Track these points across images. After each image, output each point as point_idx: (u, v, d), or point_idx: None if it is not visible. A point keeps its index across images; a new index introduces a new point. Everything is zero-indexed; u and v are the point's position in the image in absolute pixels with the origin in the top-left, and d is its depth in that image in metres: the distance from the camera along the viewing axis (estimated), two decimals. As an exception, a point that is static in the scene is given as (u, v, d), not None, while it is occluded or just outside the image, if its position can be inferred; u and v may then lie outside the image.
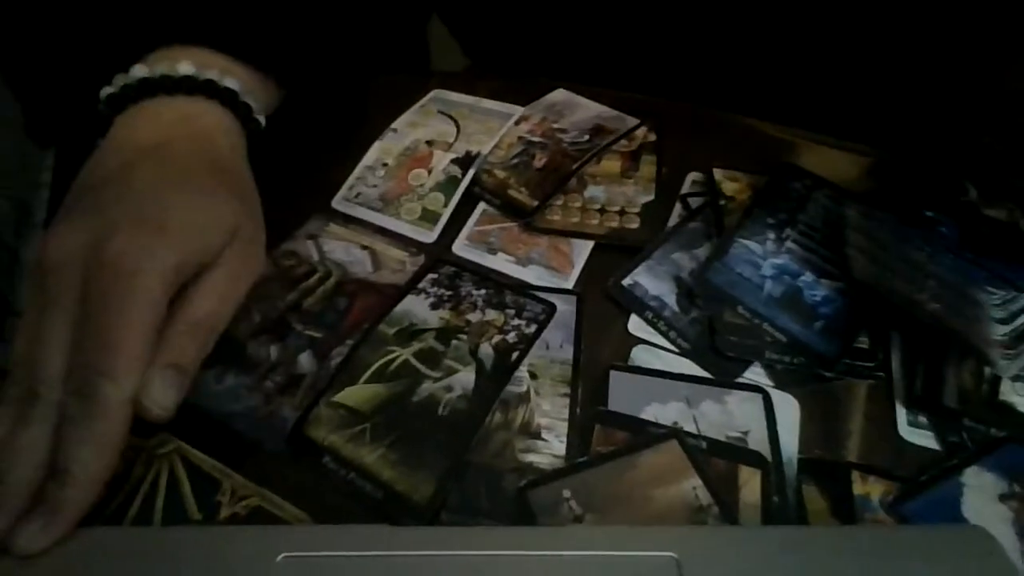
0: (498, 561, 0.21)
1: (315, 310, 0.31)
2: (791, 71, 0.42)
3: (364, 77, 0.41)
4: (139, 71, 0.29)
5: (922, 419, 0.29)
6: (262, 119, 0.32)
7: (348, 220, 0.36)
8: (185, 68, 0.29)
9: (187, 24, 0.31)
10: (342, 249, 0.34)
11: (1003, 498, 0.26)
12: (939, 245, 0.28)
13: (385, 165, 0.39)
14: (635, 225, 0.36)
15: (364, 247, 0.34)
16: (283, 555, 0.21)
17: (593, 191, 0.38)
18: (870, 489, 0.27)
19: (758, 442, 0.28)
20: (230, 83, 0.30)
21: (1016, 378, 0.29)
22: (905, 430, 0.29)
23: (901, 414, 0.30)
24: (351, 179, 0.38)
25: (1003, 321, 0.28)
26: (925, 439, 0.29)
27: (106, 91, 0.30)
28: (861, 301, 0.31)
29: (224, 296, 0.26)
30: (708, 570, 0.20)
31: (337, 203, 0.37)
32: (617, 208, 0.37)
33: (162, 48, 0.30)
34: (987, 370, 0.30)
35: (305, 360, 0.29)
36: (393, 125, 0.40)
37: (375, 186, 0.38)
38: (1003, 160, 0.32)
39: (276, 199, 0.36)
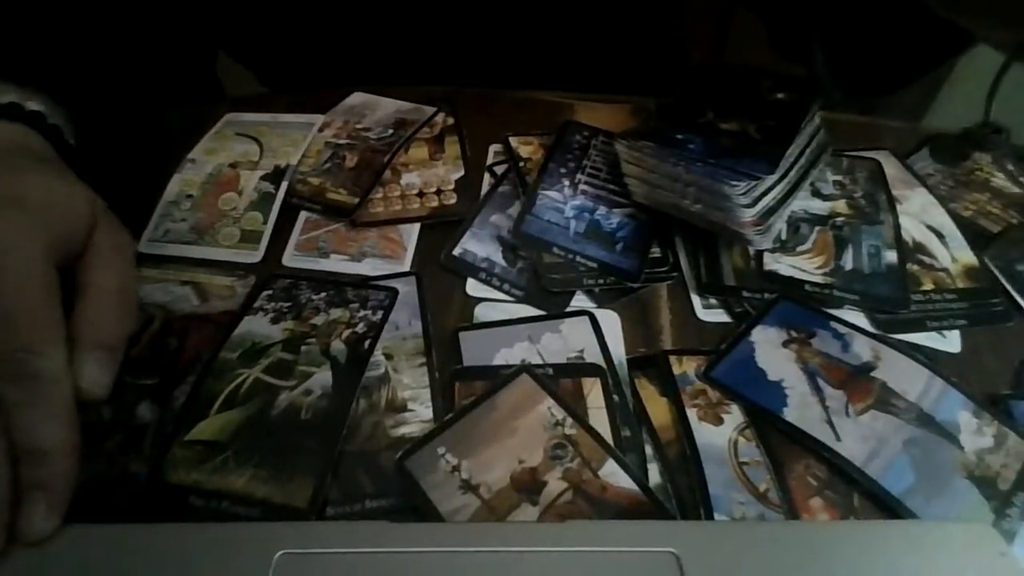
0: (496, 557, 0.21)
1: (144, 357, 0.30)
2: (548, 46, 0.48)
3: (154, 112, 0.40)
4: None
5: (712, 301, 0.36)
6: (71, 140, 0.31)
7: (160, 260, 0.34)
8: None
9: None
10: (160, 290, 0.33)
11: (785, 344, 0.33)
12: (690, 159, 0.34)
13: (190, 196, 0.37)
14: (453, 201, 0.39)
15: (184, 282, 0.33)
16: (281, 552, 0.21)
17: (408, 178, 0.40)
18: (686, 367, 0.32)
19: (593, 356, 0.32)
20: (35, 106, 0.29)
21: (772, 250, 0.37)
22: (702, 312, 0.35)
23: (696, 301, 0.36)
24: (155, 217, 0.36)
25: (749, 206, 0.35)
26: (718, 316, 0.35)
27: None
28: (646, 219, 0.37)
29: (120, 267, 0.26)
30: (708, 565, 0.20)
31: (144, 246, 0.35)
32: (433, 189, 0.40)
33: None
34: (750, 249, 0.37)
35: (145, 410, 0.28)
36: (190, 155, 0.39)
37: (183, 220, 0.36)
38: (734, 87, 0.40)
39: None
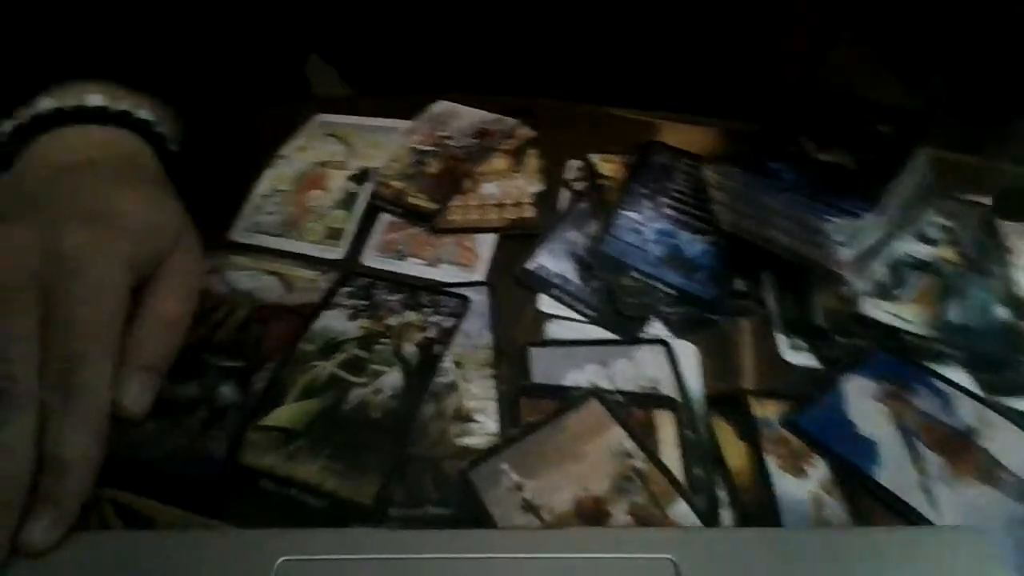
0: (495, 564, 0.21)
1: (229, 341, 0.31)
2: (639, 61, 0.47)
3: (249, 109, 0.42)
4: (47, 103, 0.29)
5: (800, 342, 0.34)
6: (175, 148, 0.32)
7: (250, 249, 0.36)
8: (95, 100, 0.29)
9: (88, 60, 0.30)
10: (248, 278, 0.34)
11: (879, 397, 0.31)
12: (783, 189, 0.33)
13: (280, 191, 0.39)
14: (531, 214, 0.39)
15: (271, 272, 0.34)
16: (282, 559, 0.21)
17: (488, 188, 0.40)
18: (767, 411, 0.30)
19: (667, 387, 0.31)
20: (144, 114, 0.30)
21: (869, 294, 0.35)
22: (788, 353, 0.33)
23: (781, 340, 0.34)
24: (247, 209, 0.38)
25: (846, 245, 0.33)
26: (806, 359, 0.33)
27: (7, 124, 0.28)
28: (731, 248, 0.36)
29: (183, 297, 0.27)
30: (705, 572, 0.21)
31: (236, 234, 0.37)
32: (512, 200, 0.39)
33: (63, 84, 0.30)
34: (845, 289, 0.35)
35: (227, 391, 0.29)
36: (281, 152, 0.41)
37: (273, 213, 0.38)
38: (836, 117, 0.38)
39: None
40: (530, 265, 0.36)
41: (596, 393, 0.30)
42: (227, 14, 0.38)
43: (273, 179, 0.39)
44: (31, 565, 0.20)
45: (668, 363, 0.32)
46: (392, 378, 0.30)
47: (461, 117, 0.45)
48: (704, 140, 0.43)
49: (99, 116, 0.29)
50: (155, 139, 0.31)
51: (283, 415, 0.28)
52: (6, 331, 0.22)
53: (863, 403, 0.30)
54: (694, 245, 0.36)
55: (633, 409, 0.30)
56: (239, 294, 0.33)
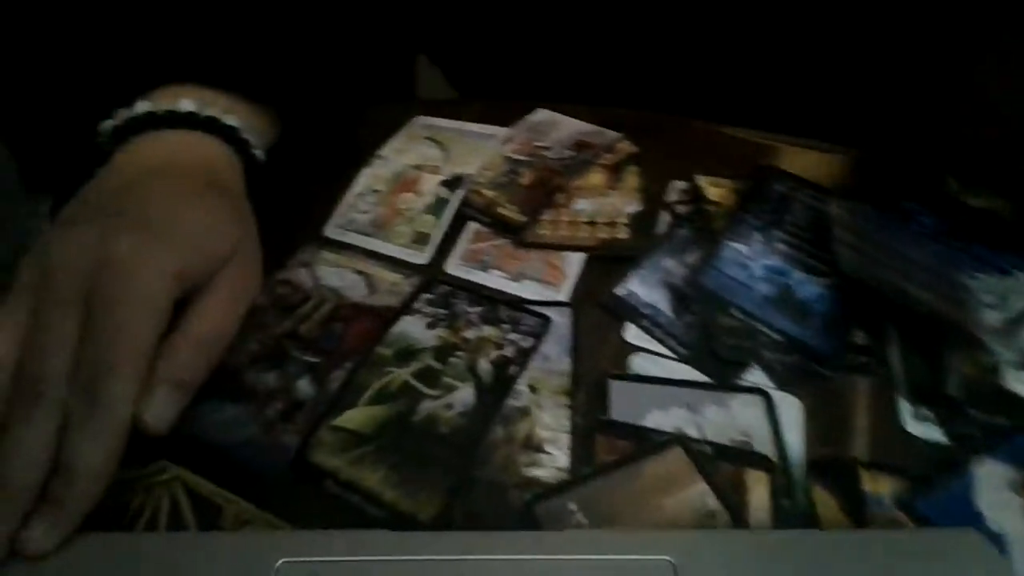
0: (495, 565, 0.21)
1: (312, 335, 0.31)
2: (763, 77, 0.43)
3: (354, 110, 0.42)
4: (143, 106, 0.30)
5: (926, 412, 0.29)
6: (260, 154, 0.33)
7: (340, 247, 0.36)
8: (187, 105, 0.30)
9: (187, 64, 0.32)
10: (336, 275, 0.34)
11: (1016, 490, 0.26)
12: (921, 234, 0.29)
13: (375, 191, 0.39)
14: (625, 235, 0.37)
15: (358, 272, 0.35)
16: (282, 560, 0.21)
17: (581, 204, 0.38)
18: (880, 486, 0.26)
19: (763, 444, 0.28)
20: (231, 120, 0.31)
21: (1016, 365, 0.29)
22: (910, 424, 0.29)
23: (905, 408, 0.29)
24: (342, 207, 0.38)
25: (994, 306, 0.28)
26: (931, 432, 0.29)
27: (108, 124, 0.30)
28: (853, 295, 0.32)
29: (227, 314, 0.27)
30: (704, 573, 0.21)
31: (329, 231, 0.37)
32: (606, 219, 0.37)
33: (163, 87, 0.31)
34: (989, 358, 0.30)
35: (304, 386, 0.29)
36: (380, 152, 0.41)
37: (366, 212, 0.38)
38: (987, 152, 0.33)
39: (270, 229, 0.37)
40: (619, 290, 0.34)
41: (681, 440, 0.27)
42: (338, 15, 0.39)
43: (370, 178, 0.40)
44: (33, 565, 0.21)
45: (766, 417, 0.29)
46: (464, 394, 0.29)
47: (560, 127, 0.44)
48: (830, 169, 0.38)
49: (189, 121, 0.30)
50: (241, 145, 0.31)
51: (354, 417, 0.28)
52: (48, 333, 0.23)
53: (996, 492, 0.26)
54: (809, 287, 0.32)
55: (721, 464, 0.27)
56: (326, 290, 0.33)
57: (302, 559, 0.21)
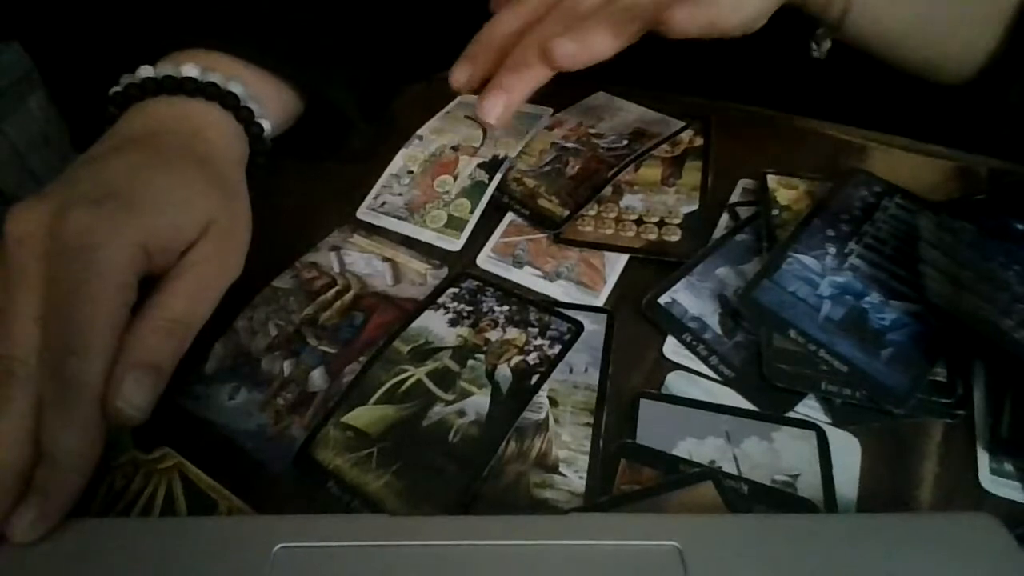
0: (497, 550, 0.20)
1: (331, 325, 0.30)
2: (855, 66, 0.37)
3: (391, 87, 0.41)
4: (144, 71, 0.30)
5: (1008, 467, 0.25)
6: (266, 124, 0.31)
7: (372, 230, 0.35)
8: (189, 70, 0.29)
9: (199, 27, 0.31)
10: (363, 261, 0.33)
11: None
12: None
13: (411, 172, 0.37)
14: (675, 237, 0.33)
15: (386, 259, 0.33)
16: (279, 545, 0.20)
17: (630, 200, 0.35)
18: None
19: (808, 488, 0.25)
20: (234, 87, 0.30)
21: None
22: (987, 479, 0.25)
23: (983, 460, 0.25)
24: (376, 187, 0.37)
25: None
26: (1010, 490, 0.25)
27: (112, 91, 0.30)
28: (938, 326, 0.27)
29: (200, 294, 0.25)
30: (711, 559, 0.20)
31: (362, 213, 0.36)
32: (656, 219, 0.34)
33: (174, 51, 0.30)
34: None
35: (317, 377, 0.28)
36: (419, 132, 0.39)
37: (400, 194, 0.36)
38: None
39: (303, 210, 0.36)
40: (662, 299, 0.31)
41: (714, 474, 0.24)
42: None
43: (406, 159, 0.38)
44: (28, 551, 0.21)
45: (817, 456, 0.25)
46: (478, 401, 0.27)
47: (617, 113, 0.40)
48: (926, 176, 0.33)
49: (187, 86, 0.29)
50: (243, 113, 0.30)
51: (362, 416, 0.27)
52: (10, 312, 0.22)
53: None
54: (885, 313, 0.28)
55: (757, 507, 0.24)
56: (351, 276, 0.32)
57: (300, 544, 0.20)
